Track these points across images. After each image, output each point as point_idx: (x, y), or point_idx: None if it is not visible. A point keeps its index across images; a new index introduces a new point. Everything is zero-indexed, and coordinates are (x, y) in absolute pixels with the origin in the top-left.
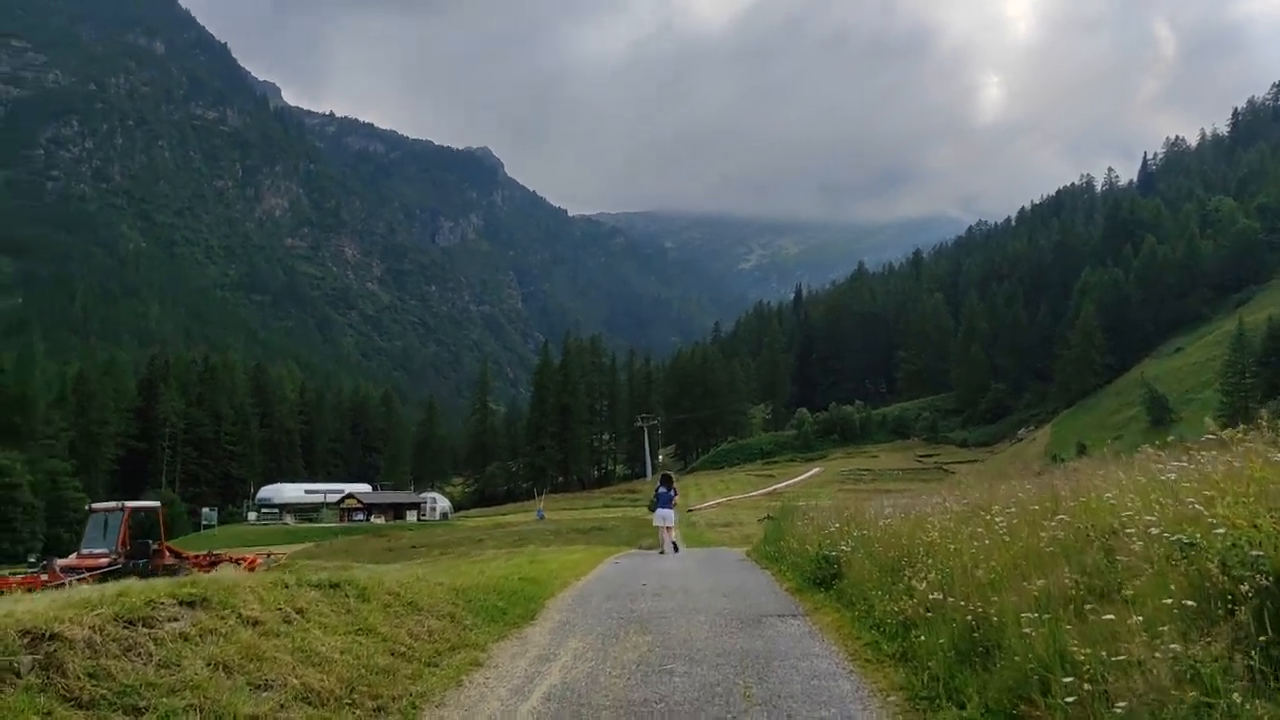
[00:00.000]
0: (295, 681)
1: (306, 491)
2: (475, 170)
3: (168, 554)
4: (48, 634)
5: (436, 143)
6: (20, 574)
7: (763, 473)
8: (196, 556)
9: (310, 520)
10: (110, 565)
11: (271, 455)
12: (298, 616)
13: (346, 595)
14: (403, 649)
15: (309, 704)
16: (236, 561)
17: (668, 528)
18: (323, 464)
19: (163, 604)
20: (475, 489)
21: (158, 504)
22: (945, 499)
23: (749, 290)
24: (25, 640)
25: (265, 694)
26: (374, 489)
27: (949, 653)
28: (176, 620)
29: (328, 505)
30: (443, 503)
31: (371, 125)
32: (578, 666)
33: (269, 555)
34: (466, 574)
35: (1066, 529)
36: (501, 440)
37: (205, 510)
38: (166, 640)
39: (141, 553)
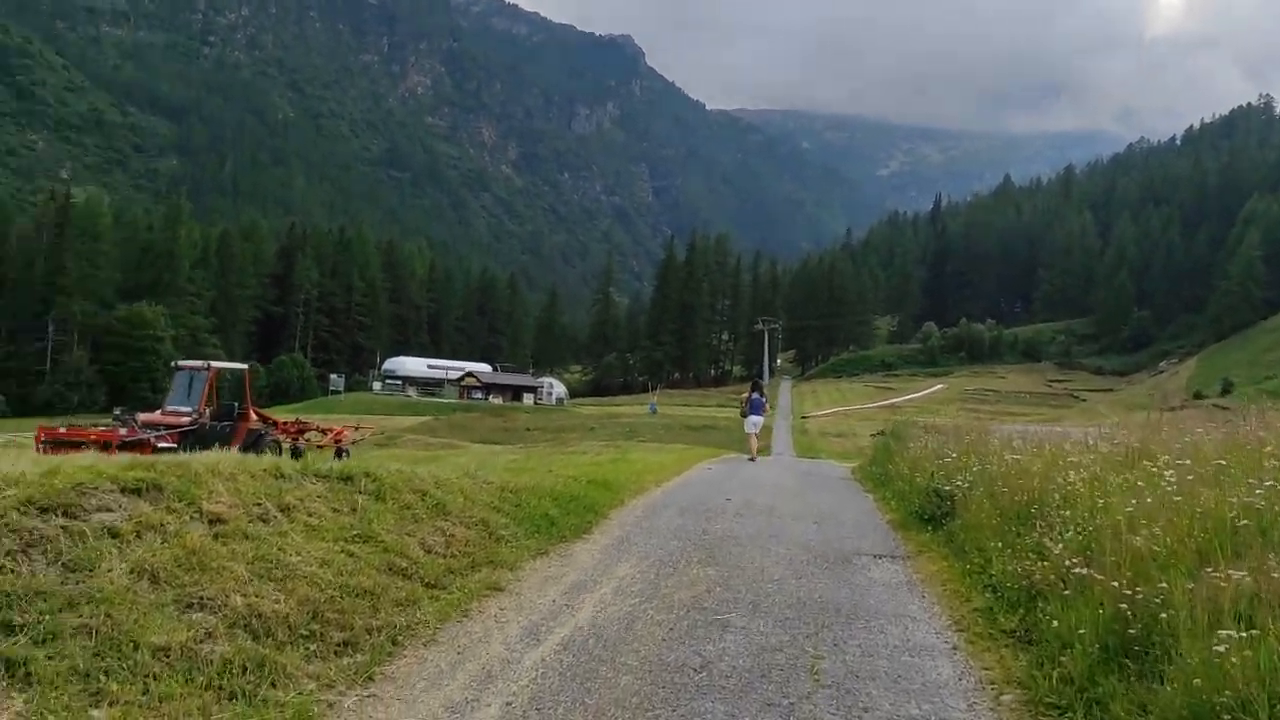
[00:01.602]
0: (239, 601)
1: (429, 366)
2: (616, 58)
3: (253, 417)
4: None
5: (579, 28)
6: (102, 426)
7: (883, 385)
8: (285, 423)
9: (432, 395)
10: (191, 425)
11: (399, 329)
12: (278, 515)
13: (358, 492)
14: (404, 564)
15: (248, 633)
16: (324, 431)
17: (756, 435)
18: (448, 341)
19: (96, 489)
20: (592, 378)
21: (244, 366)
22: (1087, 434)
23: (886, 197)
24: None
25: (194, 615)
26: (494, 369)
27: (1091, 646)
28: (109, 510)
29: (449, 381)
30: (559, 388)
31: (516, 7)
32: (616, 604)
33: (357, 428)
34: (534, 470)
35: (1273, 498)
36: (622, 332)
37: (334, 376)
38: (88, 536)
39: (225, 415)
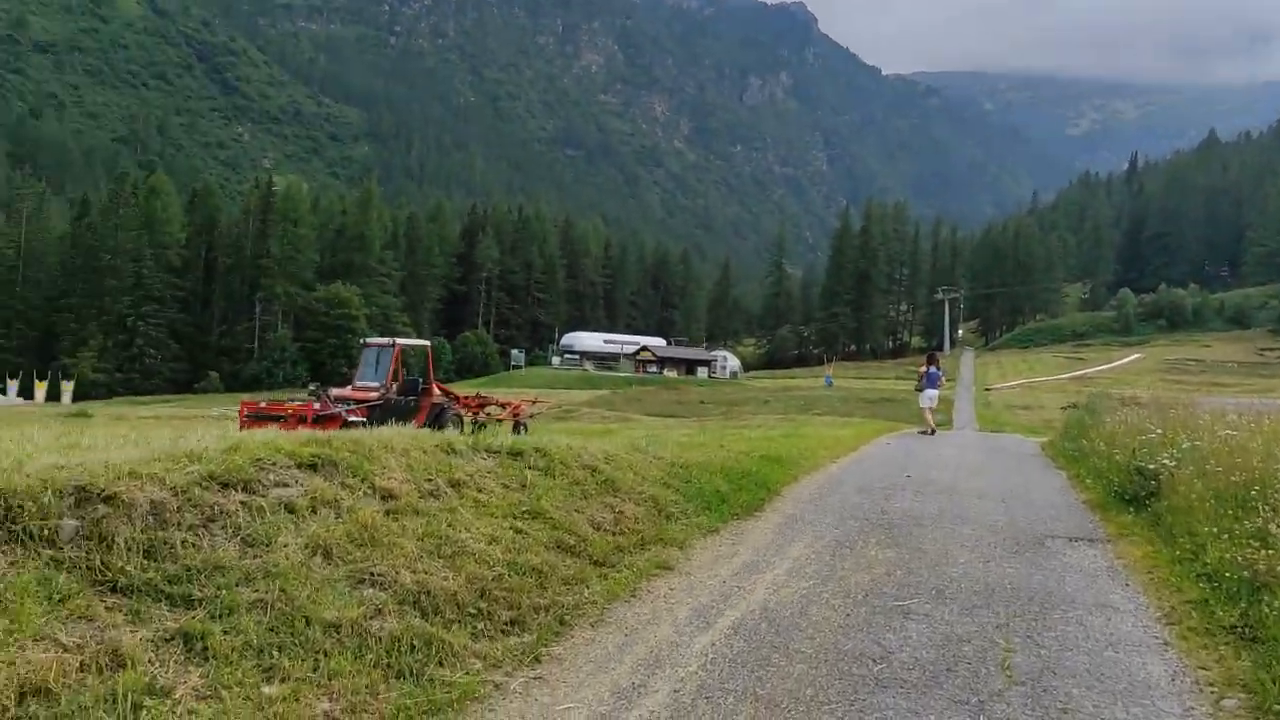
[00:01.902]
0: (408, 578)
1: (605, 341)
2: (787, 27)
3: (436, 392)
4: (101, 494)
5: None
6: (299, 400)
7: (1073, 355)
8: (466, 397)
9: (609, 369)
10: (378, 399)
11: (576, 304)
12: (449, 491)
13: (527, 467)
14: (572, 542)
15: (417, 610)
16: (503, 405)
17: (932, 409)
18: (623, 315)
19: (274, 465)
20: (766, 351)
21: (427, 343)
22: None
23: (1076, 158)
24: (72, 500)
25: (365, 592)
26: (668, 343)
27: None
28: (286, 486)
29: (624, 355)
30: (733, 362)
31: None
32: (790, 586)
33: (534, 402)
34: (705, 445)
35: None
36: (796, 304)
37: (514, 352)
38: (265, 511)
39: (410, 389)
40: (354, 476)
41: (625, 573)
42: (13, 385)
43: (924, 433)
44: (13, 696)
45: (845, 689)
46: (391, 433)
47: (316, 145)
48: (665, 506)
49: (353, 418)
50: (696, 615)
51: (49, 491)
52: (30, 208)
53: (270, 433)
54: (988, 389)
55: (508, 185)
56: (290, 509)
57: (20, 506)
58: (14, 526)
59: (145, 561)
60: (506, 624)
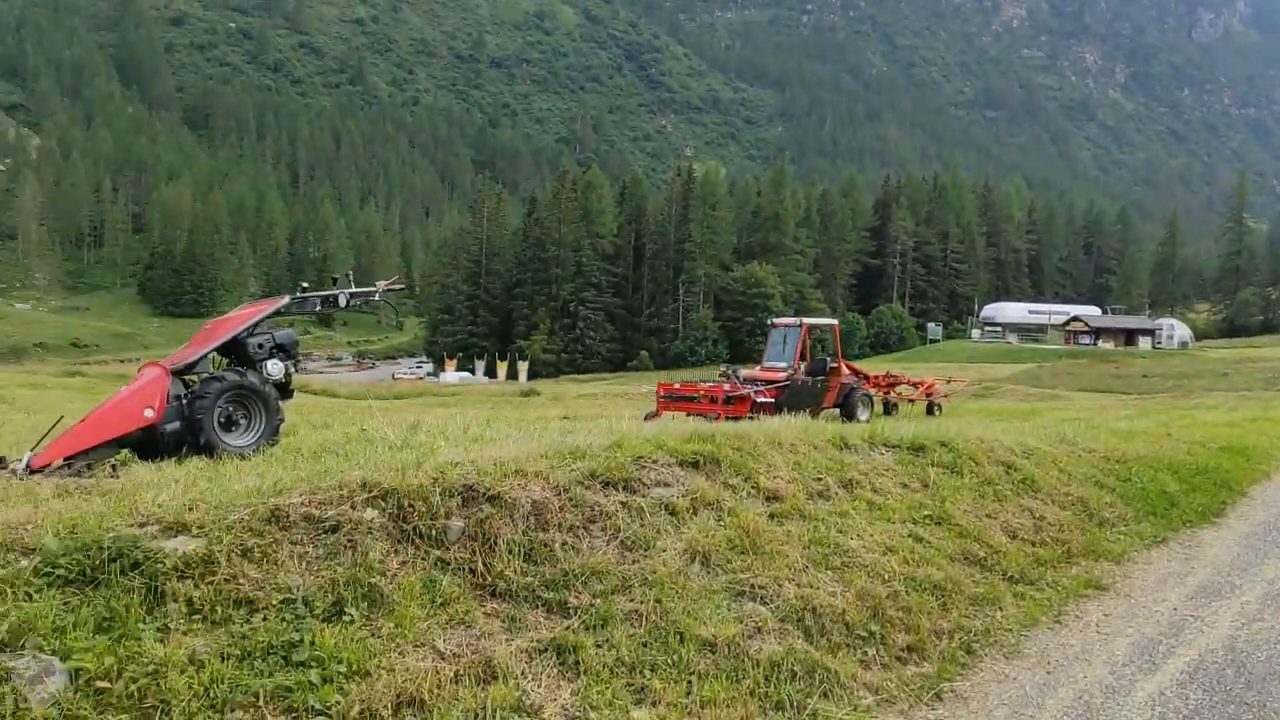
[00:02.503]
0: (791, 592)
1: (1030, 311)
2: None
3: (845, 371)
4: (487, 493)
5: None
6: (709, 382)
7: None
8: (876, 376)
9: (1034, 340)
10: (786, 380)
11: (997, 274)
12: (840, 492)
13: (930, 464)
14: (982, 553)
15: (799, 630)
16: (915, 384)
17: None
18: (1050, 283)
19: (655, 463)
20: (1223, 317)
21: (834, 322)
22: None
23: None
24: (459, 500)
25: (744, 606)
26: (1103, 312)
27: None
28: (667, 485)
29: (1052, 326)
30: (1181, 330)
31: None
32: (1265, 619)
33: (949, 380)
34: (1146, 433)
35: None
36: (1260, 262)
37: (931, 325)
38: (645, 512)
39: (819, 370)
40: (737, 475)
41: (1046, 592)
42: (479, 365)
43: None
44: (389, 706)
45: None
46: (780, 425)
47: (733, 130)
48: (1097, 510)
49: (761, 399)
50: (1138, 651)
51: (438, 490)
52: (490, 207)
53: (654, 428)
54: None
55: (922, 153)
56: (670, 510)
57: (411, 505)
58: (405, 525)
59: (524, 565)
60: (902, 651)
